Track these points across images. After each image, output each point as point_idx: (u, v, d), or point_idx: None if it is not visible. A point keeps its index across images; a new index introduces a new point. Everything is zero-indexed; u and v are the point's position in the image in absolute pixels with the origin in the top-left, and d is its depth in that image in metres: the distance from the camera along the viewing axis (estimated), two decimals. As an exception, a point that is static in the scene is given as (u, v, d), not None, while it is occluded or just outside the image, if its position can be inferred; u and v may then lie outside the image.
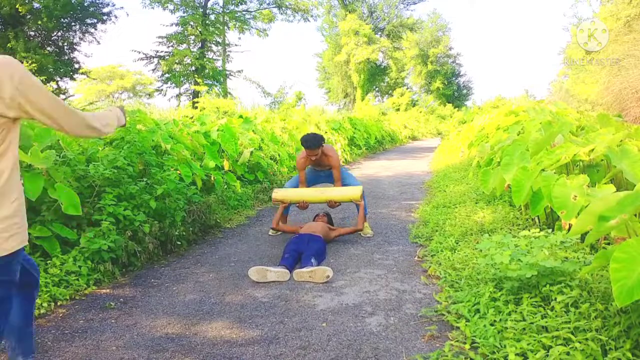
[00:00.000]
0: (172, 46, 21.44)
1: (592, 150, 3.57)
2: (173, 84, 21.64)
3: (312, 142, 4.68)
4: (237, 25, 22.99)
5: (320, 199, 4.76)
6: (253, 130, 8.46)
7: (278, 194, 4.81)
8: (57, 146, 4.20)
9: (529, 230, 3.09)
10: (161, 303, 3.20)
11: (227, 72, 22.86)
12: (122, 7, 32.80)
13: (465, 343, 2.44)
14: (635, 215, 2.23)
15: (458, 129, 16.40)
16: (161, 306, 3.14)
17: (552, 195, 3.19)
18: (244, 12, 23.62)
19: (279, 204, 4.87)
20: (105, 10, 16.09)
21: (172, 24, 21.65)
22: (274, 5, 24.17)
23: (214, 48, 22.88)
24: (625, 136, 3.75)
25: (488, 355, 2.29)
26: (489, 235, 3.54)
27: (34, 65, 9.74)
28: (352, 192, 4.71)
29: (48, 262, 3.38)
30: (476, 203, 5.54)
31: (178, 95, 22.31)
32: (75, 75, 16.33)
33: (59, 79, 15.30)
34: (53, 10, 13.89)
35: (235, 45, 25.79)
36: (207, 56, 21.82)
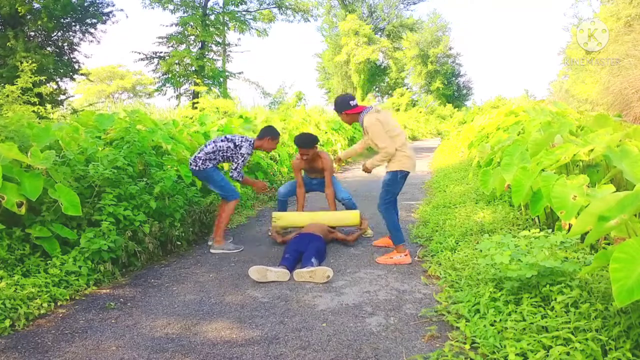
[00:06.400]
0: (172, 46, 21.43)
1: (592, 150, 3.57)
2: (172, 84, 21.65)
3: (306, 140, 4.83)
4: (237, 26, 22.96)
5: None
6: (253, 130, 8.45)
7: (277, 222, 4.82)
8: (56, 146, 4.20)
9: (529, 230, 3.09)
10: (161, 303, 3.20)
11: (227, 73, 22.85)
12: (121, 9, 32.62)
13: (465, 343, 2.44)
14: (635, 215, 2.23)
15: (458, 129, 16.41)
16: (161, 306, 3.14)
17: (552, 196, 3.19)
18: (244, 12, 23.61)
19: (279, 230, 4.89)
20: (106, 10, 16.08)
21: (172, 24, 21.63)
22: (274, 6, 24.13)
23: (214, 48, 22.87)
24: (624, 136, 3.74)
25: (488, 355, 2.29)
26: (489, 235, 3.54)
27: (34, 65, 9.69)
28: (351, 217, 4.78)
29: (48, 262, 3.38)
30: (476, 203, 5.54)
31: (178, 95, 22.27)
32: (75, 76, 16.29)
33: (59, 79, 15.28)
34: (53, 11, 13.88)
35: (236, 45, 25.78)
36: (207, 56, 21.79)
